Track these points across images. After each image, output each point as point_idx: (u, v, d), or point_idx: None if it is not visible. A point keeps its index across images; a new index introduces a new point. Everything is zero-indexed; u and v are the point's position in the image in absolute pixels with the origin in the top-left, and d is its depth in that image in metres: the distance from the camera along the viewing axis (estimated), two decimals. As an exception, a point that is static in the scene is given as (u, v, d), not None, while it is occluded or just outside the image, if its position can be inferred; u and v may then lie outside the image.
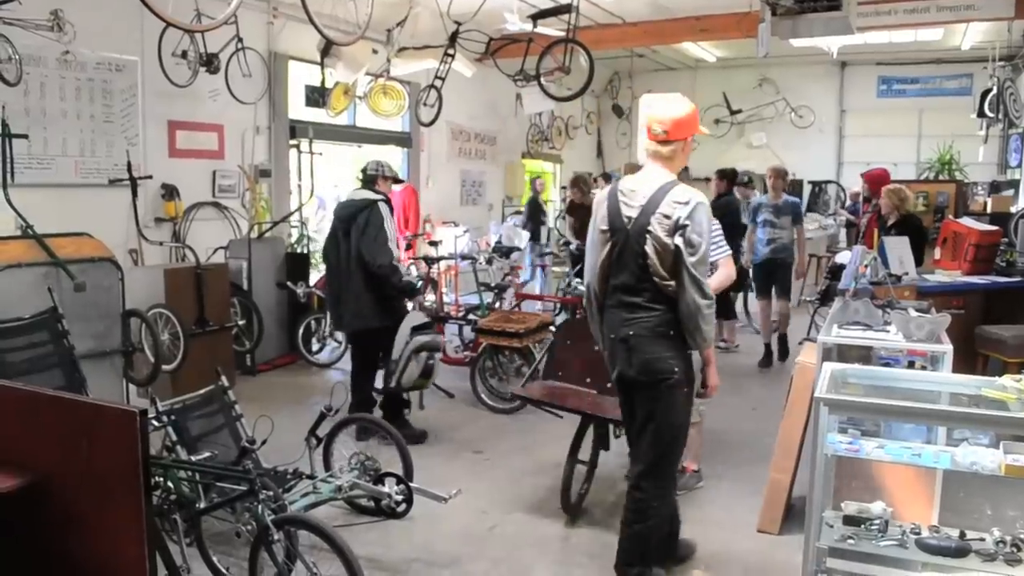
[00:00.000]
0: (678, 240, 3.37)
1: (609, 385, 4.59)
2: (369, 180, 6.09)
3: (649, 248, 3.42)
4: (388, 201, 5.97)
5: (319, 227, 12.07)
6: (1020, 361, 5.50)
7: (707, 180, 9.51)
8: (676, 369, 3.48)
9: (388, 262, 5.72)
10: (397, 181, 6.34)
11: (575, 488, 4.67)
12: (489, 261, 9.00)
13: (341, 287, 5.91)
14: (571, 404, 4.72)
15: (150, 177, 7.55)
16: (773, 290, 8.47)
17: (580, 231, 9.34)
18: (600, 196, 3.73)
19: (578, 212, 9.43)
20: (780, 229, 8.30)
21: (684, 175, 6.20)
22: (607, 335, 3.64)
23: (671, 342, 3.48)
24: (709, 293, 3.41)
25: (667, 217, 3.38)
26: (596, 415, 4.59)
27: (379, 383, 6.09)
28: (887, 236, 6.66)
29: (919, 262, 6.85)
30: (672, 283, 3.42)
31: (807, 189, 15.83)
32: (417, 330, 5.97)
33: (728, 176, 8.92)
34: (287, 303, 8.39)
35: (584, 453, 4.69)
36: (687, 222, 3.36)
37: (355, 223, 5.79)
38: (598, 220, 3.61)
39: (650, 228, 3.41)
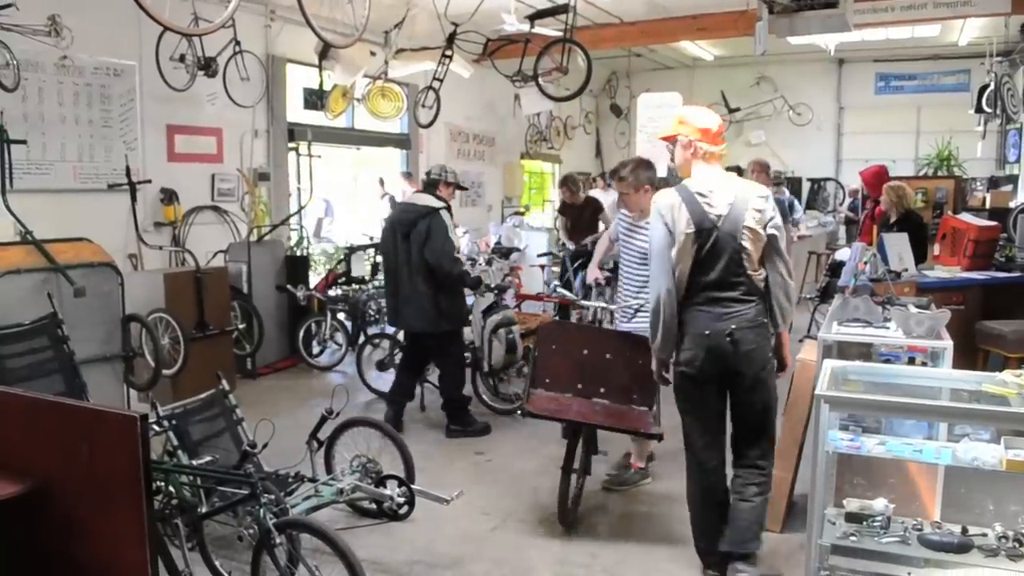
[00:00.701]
0: (771, 230, 3.67)
1: (603, 390, 4.60)
2: (431, 184, 6.17)
3: (747, 242, 3.63)
4: (449, 208, 6.09)
5: (327, 232, 12.08)
6: (1020, 356, 5.50)
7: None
8: (771, 355, 3.77)
9: (460, 271, 5.92)
10: (460, 188, 6.41)
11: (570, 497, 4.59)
12: (489, 262, 8.99)
13: (399, 287, 6.01)
14: (586, 417, 4.52)
15: (149, 181, 7.55)
16: None
17: (572, 232, 9.35)
18: (671, 201, 3.69)
19: (569, 212, 9.44)
20: None
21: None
22: (699, 332, 3.68)
23: (764, 331, 3.74)
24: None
25: (759, 211, 3.65)
26: (623, 427, 4.55)
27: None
28: (888, 233, 6.68)
29: (921, 258, 6.86)
30: (763, 273, 3.72)
31: (806, 187, 15.83)
32: (488, 312, 6.31)
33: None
34: (287, 306, 8.39)
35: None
36: (772, 214, 3.71)
37: (415, 229, 5.85)
38: (680, 224, 3.63)
39: (746, 223, 3.62)
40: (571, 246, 9.25)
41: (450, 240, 5.89)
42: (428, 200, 6.02)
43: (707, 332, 3.66)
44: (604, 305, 5.28)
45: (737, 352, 3.64)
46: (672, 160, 3.92)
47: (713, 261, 3.63)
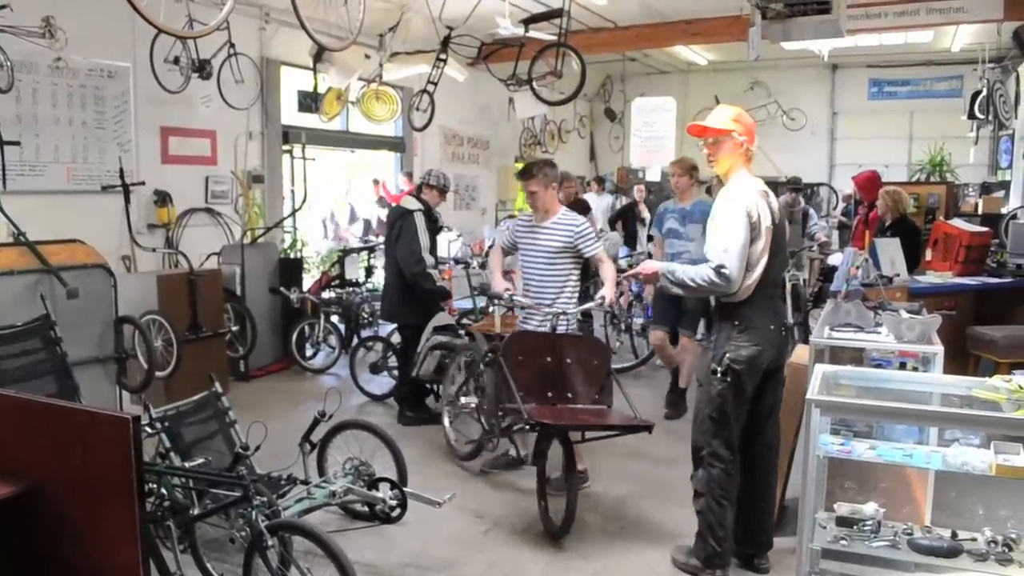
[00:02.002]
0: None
1: (571, 395, 4.66)
2: (419, 187, 6.54)
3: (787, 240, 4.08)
4: (428, 210, 6.40)
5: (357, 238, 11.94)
6: (1011, 361, 5.52)
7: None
8: None
9: (420, 270, 6.21)
10: (443, 191, 6.57)
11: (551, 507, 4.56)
12: (483, 265, 9.00)
13: (385, 283, 6.71)
14: (582, 423, 4.55)
15: (143, 183, 7.55)
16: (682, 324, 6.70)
17: None
18: (755, 195, 3.79)
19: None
20: (687, 241, 6.38)
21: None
22: (766, 327, 3.82)
23: None
24: None
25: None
26: (612, 426, 4.59)
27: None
28: (884, 237, 6.72)
29: (915, 263, 6.89)
30: None
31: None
32: (439, 330, 6.57)
33: None
34: (280, 309, 8.39)
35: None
36: None
37: (393, 229, 6.36)
38: (763, 218, 3.76)
39: (786, 223, 4.10)
40: None
41: (416, 242, 6.20)
42: (408, 202, 6.45)
43: (772, 327, 3.83)
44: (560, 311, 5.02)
45: (785, 345, 4.02)
46: (712, 157, 3.92)
47: (776, 258, 3.84)
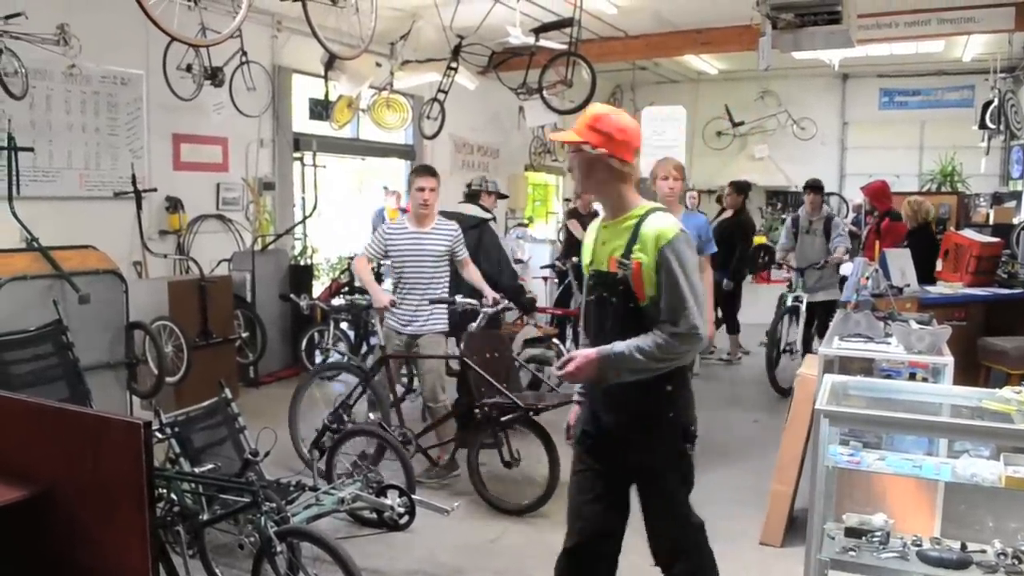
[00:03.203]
0: None
1: (507, 384, 5.05)
2: (473, 195, 6.41)
3: None
4: (495, 218, 6.42)
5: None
6: (1022, 373, 5.50)
7: (710, 192, 9.53)
8: None
9: (515, 282, 6.21)
10: (501, 196, 6.60)
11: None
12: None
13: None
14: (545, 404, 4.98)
15: (155, 190, 7.59)
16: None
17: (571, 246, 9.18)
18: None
19: (579, 221, 9.38)
20: None
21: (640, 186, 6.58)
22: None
23: None
24: None
25: None
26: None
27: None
28: (906, 245, 6.85)
29: (930, 273, 6.89)
30: None
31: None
32: (530, 343, 6.73)
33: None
34: (290, 315, 8.41)
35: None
36: None
37: (466, 237, 5.96)
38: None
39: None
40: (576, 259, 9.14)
41: (503, 251, 6.23)
42: (476, 210, 6.32)
43: None
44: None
45: None
46: (582, 181, 2.97)
47: None
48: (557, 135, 3.26)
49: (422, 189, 5.24)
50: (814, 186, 8.26)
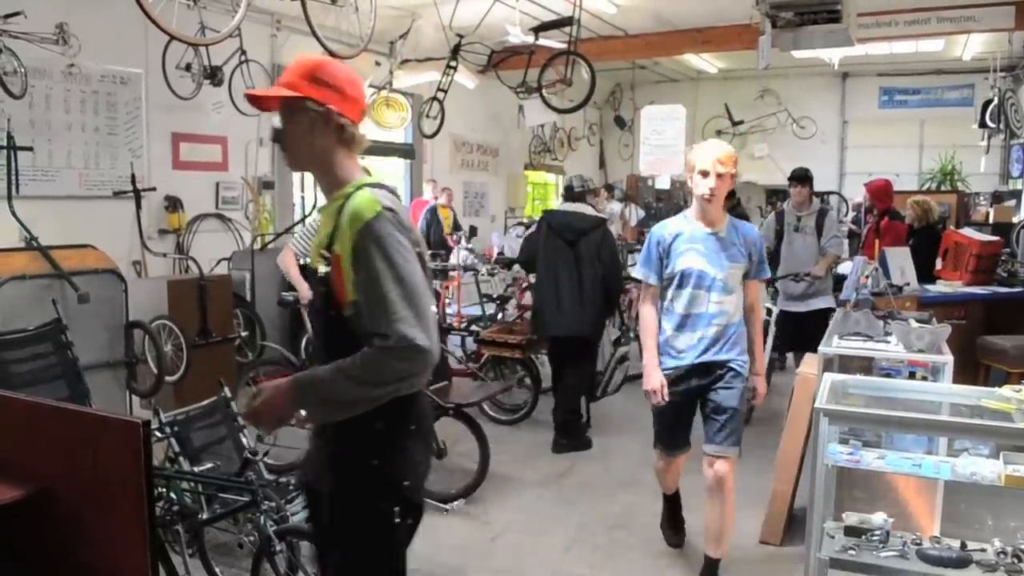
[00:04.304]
0: None
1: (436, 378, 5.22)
2: (579, 196, 6.25)
3: None
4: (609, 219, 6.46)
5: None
6: (1022, 371, 5.50)
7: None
8: None
9: (619, 289, 6.27)
10: (595, 193, 6.62)
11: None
12: (492, 272, 9.01)
13: (561, 294, 5.97)
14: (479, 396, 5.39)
15: (154, 189, 7.58)
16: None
17: None
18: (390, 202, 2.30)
19: None
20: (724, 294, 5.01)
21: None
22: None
23: None
24: None
25: None
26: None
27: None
28: (910, 244, 6.88)
29: (930, 272, 6.89)
30: None
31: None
32: (616, 343, 6.86)
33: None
34: (290, 314, 8.39)
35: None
36: None
37: (586, 238, 5.96)
38: (419, 242, 2.50)
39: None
40: None
41: (618, 256, 6.25)
42: (590, 210, 6.20)
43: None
44: None
45: None
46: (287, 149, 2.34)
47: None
48: (260, 91, 2.41)
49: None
50: (800, 177, 7.12)
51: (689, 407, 3.92)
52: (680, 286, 3.80)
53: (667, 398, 3.80)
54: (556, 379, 6.27)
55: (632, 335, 6.83)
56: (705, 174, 3.68)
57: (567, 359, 6.17)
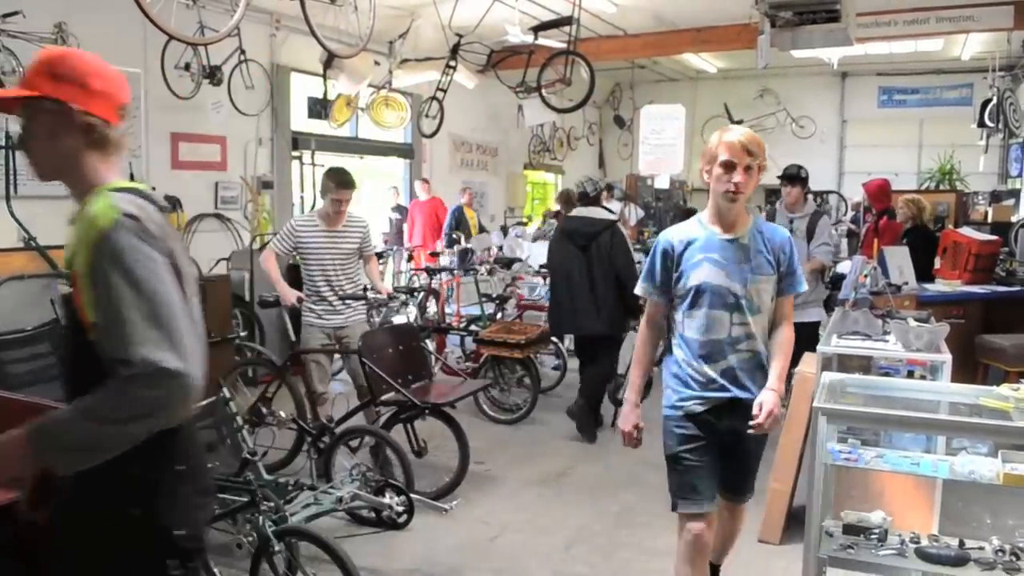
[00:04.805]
0: None
1: (411, 376, 5.18)
2: (594, 200, 6.60)
3: None
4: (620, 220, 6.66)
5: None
6: (1020, 370, 5.49)
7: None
8: None
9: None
10: (608, 190, 6.67)
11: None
12: (491, 272, 9.01)
13: (574, 295, 6.29)
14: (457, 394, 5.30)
15: (153, 189, 7.56)
16: None
17: None
18: (138, 209, 2.01)
19: None
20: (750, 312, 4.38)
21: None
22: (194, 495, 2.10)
23: None
24: None
25: None
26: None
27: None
28: (903, 243, 6.79)
29: (930, 271, 6.89)
30: None
31: (808, 199, 15.84)
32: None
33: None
34: (289, 314, 8.39)
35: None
36: None
37: (597, 241, 6.23)
38: (178, 257, 2.17)
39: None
40: None
41: (632, 255, 6.34)
42: (603, 213, 6.51)
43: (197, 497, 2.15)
44: None
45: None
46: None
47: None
48: None
49: (339, 201, 5.24)
50: (792, 176, 6.46)
51: (712, 449, 3.17)
52: (694, 305, 3.10)
53: (641, 441, 3.32)
54: (581, 371, 6.61)
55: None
56: (729, 166, 3.02)
57: (588, 354, 6.52)
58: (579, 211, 6.61)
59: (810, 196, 6.64)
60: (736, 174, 3.00)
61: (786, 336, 3.18)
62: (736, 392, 3.09)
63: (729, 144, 3.02)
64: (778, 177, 6.52)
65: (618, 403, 6.54)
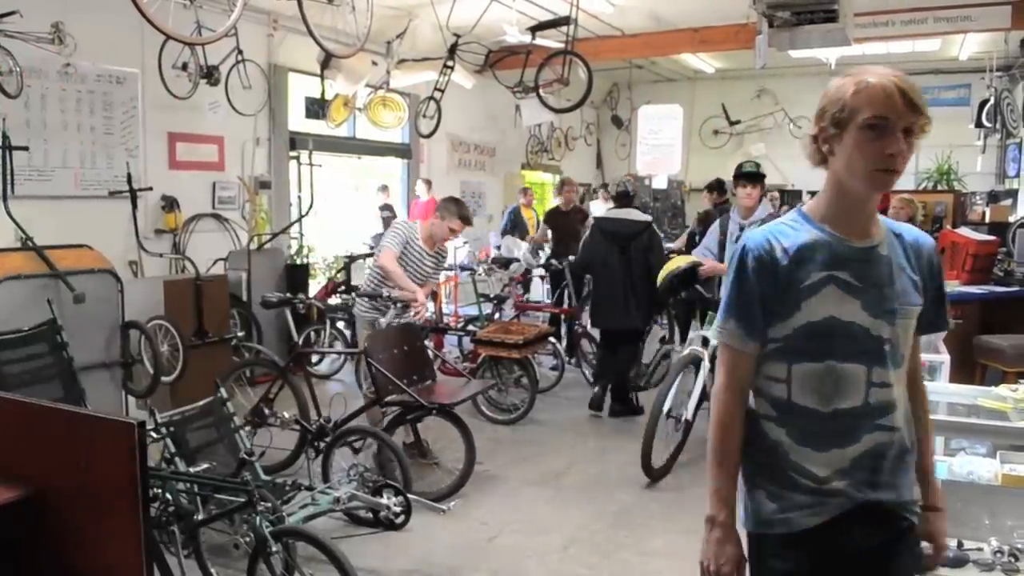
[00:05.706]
0: None
1: (418, 376, 5.23)
2: (631, 200, 7.00)
3: None
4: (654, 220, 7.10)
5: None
6: (1019, 370, 5.50)
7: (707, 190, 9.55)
8: None
9: None
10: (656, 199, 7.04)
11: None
12: (488, 272, 9.00)
13: (615, 293, 6.75)
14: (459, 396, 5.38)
15: (150, 189, 7.57)
16: None
17: (562, 241, 9.00)
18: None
19: (560, 219, 9.23)
20: None
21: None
22: None
23: None
24: None
25: None
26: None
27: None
28: None
29: None
30: None
31: (807, 199, 15.84)
32: (663, 340, 7.62)
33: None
34: (292, 314, 8.38)
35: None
36: None
37: (636, 241, 6.68)
38: None
39: None
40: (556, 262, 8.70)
41: (663, 251, 6.82)
42: (639, 214, 6.88)
43: None
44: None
45: None
46: None
47: None
48: None
49: (455, 231, 5.64)
50: (752, 174, 5.70)
51: None
52: (808, 354, 1.92)
53: None
54: (605, 361, 7.05)
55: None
56: (880, 129, 1.88)
57: (618, 345, 6.93)
58: (616, 212, 7.02)
59: (765, 198, 5.85)
60: (893, 140, 1.85)
61: (924, 394, 2.14)
62: (873, 494, 1.91)
63: (877, 93, 1.94)
64: (734, 176, 5.83)
65: (638, 388, 7.07)
